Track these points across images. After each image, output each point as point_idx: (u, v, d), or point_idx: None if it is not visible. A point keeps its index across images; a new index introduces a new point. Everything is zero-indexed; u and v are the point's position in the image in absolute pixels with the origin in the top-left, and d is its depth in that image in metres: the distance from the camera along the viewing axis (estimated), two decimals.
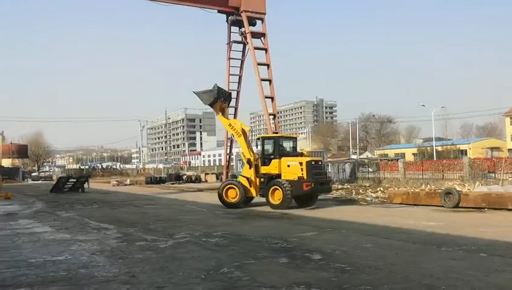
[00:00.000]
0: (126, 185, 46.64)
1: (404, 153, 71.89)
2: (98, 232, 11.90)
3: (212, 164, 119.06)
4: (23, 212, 18.11)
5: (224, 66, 28.64)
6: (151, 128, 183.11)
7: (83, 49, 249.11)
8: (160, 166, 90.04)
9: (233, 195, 17.68)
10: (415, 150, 72.04)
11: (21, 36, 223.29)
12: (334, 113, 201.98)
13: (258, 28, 26.35)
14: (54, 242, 10.35)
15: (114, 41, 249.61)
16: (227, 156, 30.52)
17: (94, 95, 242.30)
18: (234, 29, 27.69)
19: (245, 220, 14.16)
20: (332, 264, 7.46)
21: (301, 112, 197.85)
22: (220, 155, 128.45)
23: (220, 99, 18.53)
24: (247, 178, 17.95)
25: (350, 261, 7.65)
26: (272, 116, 26.00)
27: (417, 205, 17.05)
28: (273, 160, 17.77)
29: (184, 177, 51.45)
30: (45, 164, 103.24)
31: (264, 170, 17.94)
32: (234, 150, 36.72)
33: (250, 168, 17.86)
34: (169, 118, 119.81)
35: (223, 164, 55.84)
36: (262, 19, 26.11)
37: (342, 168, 36.88)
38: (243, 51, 28.21)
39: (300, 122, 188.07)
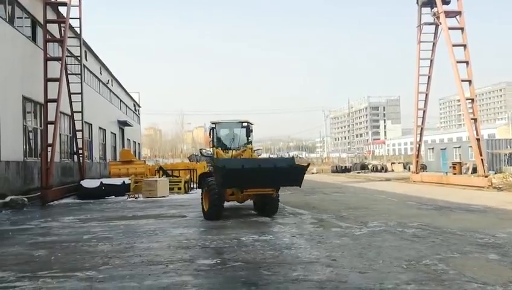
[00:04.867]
0: (313, 173, 48.36)
1: None
2: (294, 216, 12.64)
3: (397, 153, 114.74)
4: None
5: (414, 50, 27.27)
6: (334, 118, 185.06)
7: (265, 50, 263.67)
8: (344, 155, 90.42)
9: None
10: None
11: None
12: None
13: (452, 6, 24.31)
14: (257, 223, 11.38)
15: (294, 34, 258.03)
16: (417, 145, 29.05)
17: (281, 87, 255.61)
18: (425, 10, 26.12)
19: (442, 212, 13.36)
20: None
21: (500, 95, 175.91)
22: (405, 144, 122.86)
23: None
24: None
25: None
26: (470, 101, 23.80)
27: None
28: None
29: (369, 166, 50.93)
30: None
31: None
32: (424, 138, 34.70)
33: None
34: (352, 107, 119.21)
35: (409, 153, 53.41)
36: None
37: None
38: (435, 33, 26.44)
39: (500, 107, 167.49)
